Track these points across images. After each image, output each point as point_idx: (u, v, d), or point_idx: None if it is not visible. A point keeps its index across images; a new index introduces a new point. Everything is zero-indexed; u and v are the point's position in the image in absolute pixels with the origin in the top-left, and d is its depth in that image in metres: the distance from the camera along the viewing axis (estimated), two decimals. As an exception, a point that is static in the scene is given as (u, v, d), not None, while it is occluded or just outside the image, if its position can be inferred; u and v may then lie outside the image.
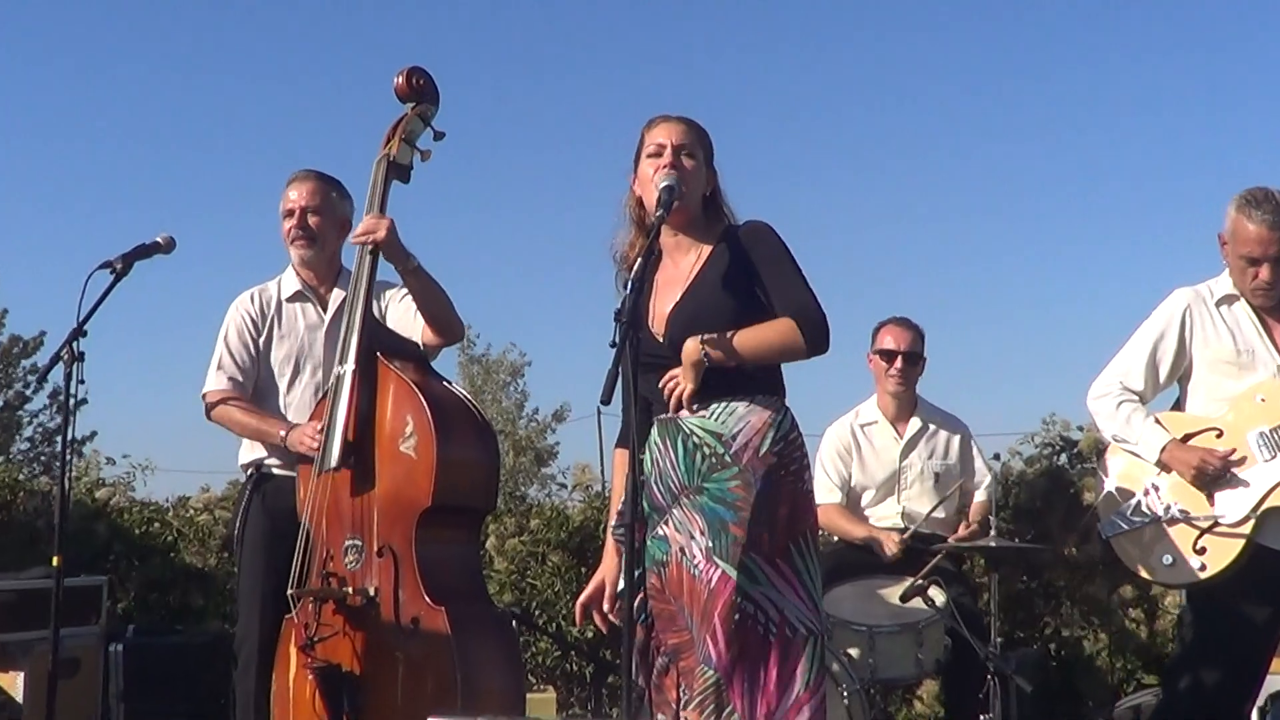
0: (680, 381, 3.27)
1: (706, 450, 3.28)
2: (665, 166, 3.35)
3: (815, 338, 3.26)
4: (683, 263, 3.44)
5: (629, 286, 3.05)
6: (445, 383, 3.98)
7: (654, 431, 3.38)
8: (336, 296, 4.36)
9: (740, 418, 3.28)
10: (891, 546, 5.13)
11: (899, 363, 5.35)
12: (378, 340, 3.97)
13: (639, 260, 3.13)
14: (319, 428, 3.94)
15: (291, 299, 4.39)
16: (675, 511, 3.31)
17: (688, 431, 3.31)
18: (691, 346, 3.25)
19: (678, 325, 3.33)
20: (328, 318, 4.36)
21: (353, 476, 3.88)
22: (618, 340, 2.92)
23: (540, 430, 29.74)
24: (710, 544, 3.22)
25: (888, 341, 5.38)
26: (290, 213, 4.33)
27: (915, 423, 5.42)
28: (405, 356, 3.98)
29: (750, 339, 3.26)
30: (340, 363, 3.95)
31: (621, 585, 3.07)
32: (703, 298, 3.32)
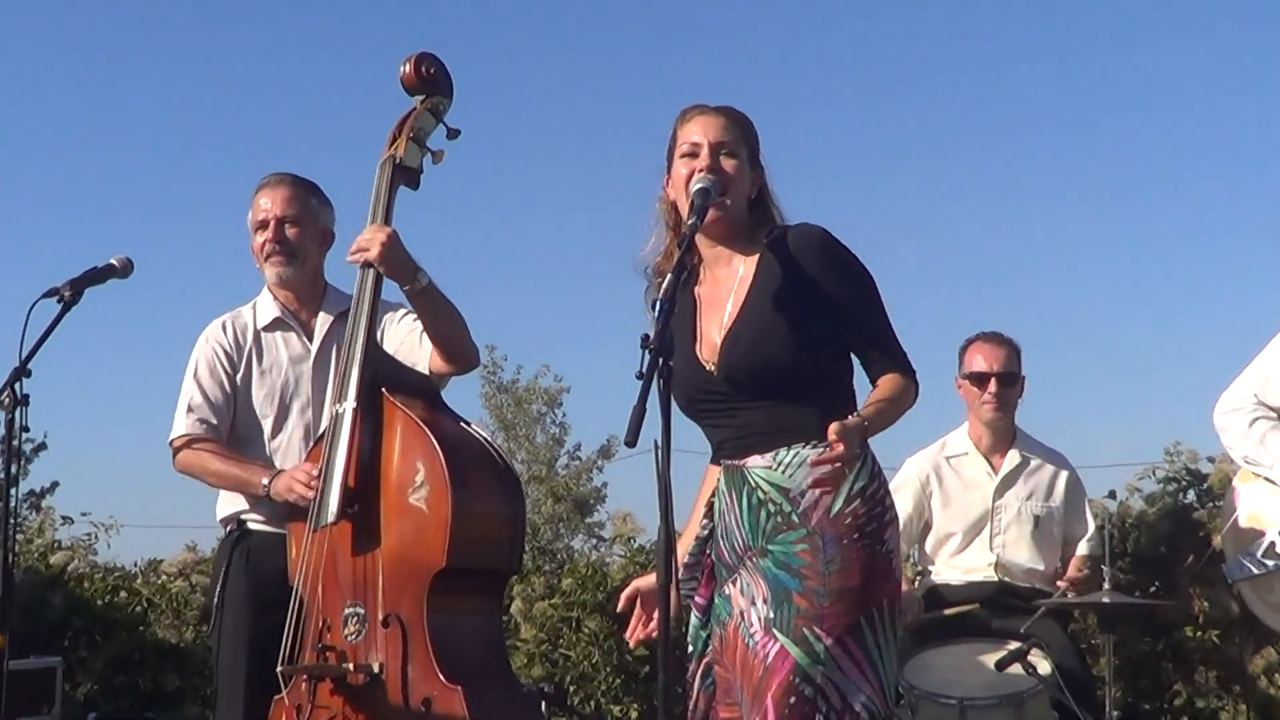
0: (845, 462, 3.21)
1: (771, 508, 3.32)
2: (701, 170, 3.39)
3: (918, 387, 3.36)
4: (726, 278, 3.47)
5: (658, 308, 3.07)
6: (461, 422, 4.02)
7: (720, 480, 3.44)
8: (323, 322, 4.40)
9: (811, 470, 3.29)
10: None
11: (993, 386, 5.38)
12: (382, 373, 4.00)
13: (669, 279, 3.14)
14: (313, 472, 3.97)
15: (270, 327, 4.42)
16: (742, 573, 3.37)
17: (753, 484, 3.35)
18: (845, 439, 3.18)
19: (734, 355, 3.36)
20: (314, 347, 4.39)
21: (353, 532, 3.91)
22: (645, 371, 2.92)
23: (583, 471, 29.57)
24: (771, 614, 3.27)
25: (978, 362, 5.42)
26: (263, 224, 4.36)
27: (1013, 456, 5.45)
28: (413, 391, 4.01)
29: (886, 412, 3.31)
30: (338, 400, 3.99)
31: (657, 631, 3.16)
32: (760, 323, 3.34)
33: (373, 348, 4.03)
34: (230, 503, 4.34)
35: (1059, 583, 5.25)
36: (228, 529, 4.38)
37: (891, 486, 5.43)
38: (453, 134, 4.15)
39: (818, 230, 3.41)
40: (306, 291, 4.41)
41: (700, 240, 3.46)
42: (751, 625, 3.29)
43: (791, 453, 3.31)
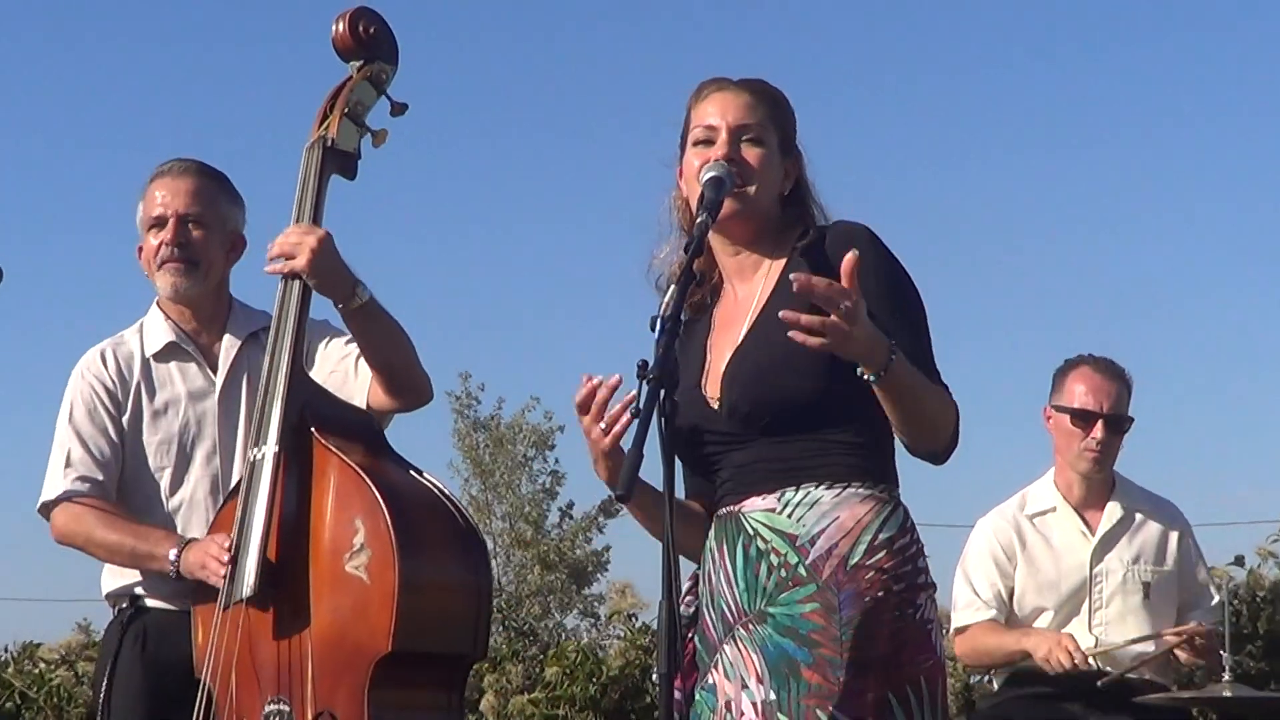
0: (849, 317, 3.09)
1: (774, 560, 3.33)
2: (718, 159, 3.42)
3: (955, 437, 3.36)
4: (747, 293, 3.50)
5: (658, 328, 3.08)
6: (411, 470, 4.04)
7: (710, 535, 3.45)
8: (229, 346, 4.41)
9: (824, 513, 3.32)
10: (1063, 655, 5.11)
11: (1099, 431, 5.37)
12: (311, 408, 4.00)
13: (671, 291, 3.16)
14: (228, 542, 3.96)
15: (163, 355, 4.42)
16: (725, 649, 3.36)
17: (751, 531, 3.37)
18: (884, 343, 3.18)
19: (738, 384, 3.39)
20: (220, 378, 4.39)
21: (276, 610, 3.91)
22: (642, 408, 2.95)
23: (580, 531, 29.40)
24: (773, 695, 3.26)
25: (1082, 396, 5.40)
26: (158, 222, 4.35)
27: (1114, 510, 5.45)
28: (350, 431, 4.02)
29: (928, 394, 3.30)
30: (255, 443, 3.99)
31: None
32: (774, 345, 3.31)
33: (299, 378, 4.02)
34: (119, 575, 4.33)
35: (1166, 635, 5.26)
36: (117, 607, 4.36)
37: (964, 560, 5.43)
38: (398, 109, 4.16)
39: (858, 229, 3.42)
40: (208, 309, 4.43)
41: (718, 245, 3.49)
42: (742, 715, 3.29)
43: (801, 493, 3.34)
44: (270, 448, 3.95)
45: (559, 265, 38.87)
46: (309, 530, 3.91)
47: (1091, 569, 5.39)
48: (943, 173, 35.80)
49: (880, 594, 3.27)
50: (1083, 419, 5.37)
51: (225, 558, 3.93)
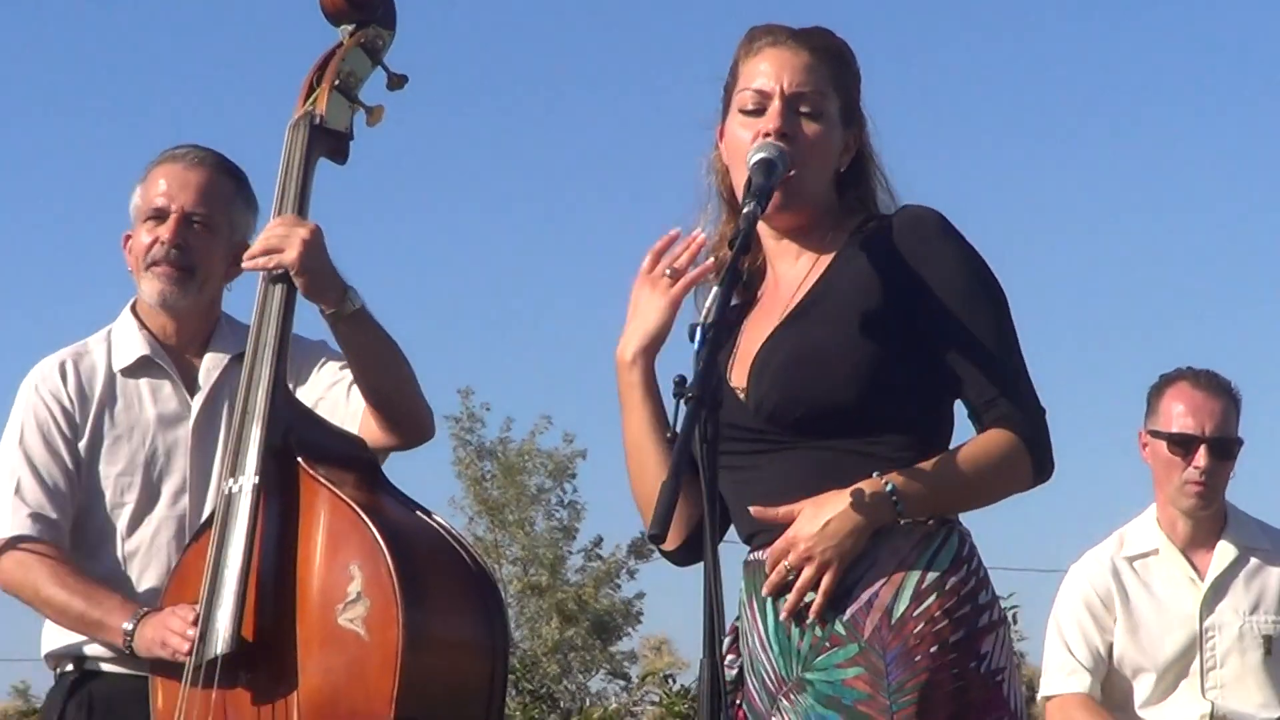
0: (809, 568, 3.14)
1: (810, 617, 3.21)
2: (768, 135, 3.27)
3: (1043, 464, 3.24)
4: (790, 275, 3.39)
5: (698, 338, 2.96)
6: (414, 508, 3.89)
7: (741, 585, 3.35)
8: (211, 364, 4.24)
9: (862, 554, 3.16)
10: None
11: (1202, 458, 5.05)
12: (298, 433, 3.85)
13: (715, 294, 3.03)
14: (193, 615, 3.76)
15: (133, 370, 4.21)
16: None
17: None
18: (869, 495, 3.13)
19: (766, 376, 3.26)
20: (197, 402, 4.21)
21: (255, 672, 3.75)
22: (679, 429, 2.84)
23: (605, 576, 28.59)
24: None
25: (1181, 418, 5.11)
26: (158, 214, 4.15)
27: (1226, 551, 5.15)
28: (344, 461, 3.88)
29: (965, 476, 3.19)
30: (231, 473, 3.81)
31: None
32: (814, 336, 3.24)
33: (282, 396, 3.87)
34: (63, 631, 4.10)
35: None
36: (59, 670, 4.17)
37: (1055, 613, 5.10)
38: (396, 81, 4.06)
39: (927, 215, 3.31)
40: (194, 323, 4.26)
41: (762, 229, 3.38)
42: None
43: None
44: (249, 479, 3.76)
45: (574, 258, 38.49)
46: (294, 576, 3.74)
47: (1201, 622, 5.11)
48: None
49: (934, 649, 3.12)
50: (1182, 445, 5.08)
51: (190, 633, 3.74)
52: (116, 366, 4.20)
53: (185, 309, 4.20)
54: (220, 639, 3.68)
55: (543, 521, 28.73)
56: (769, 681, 3.27)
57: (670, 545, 3.26)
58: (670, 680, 6.05)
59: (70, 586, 4.01)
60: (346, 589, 3.65)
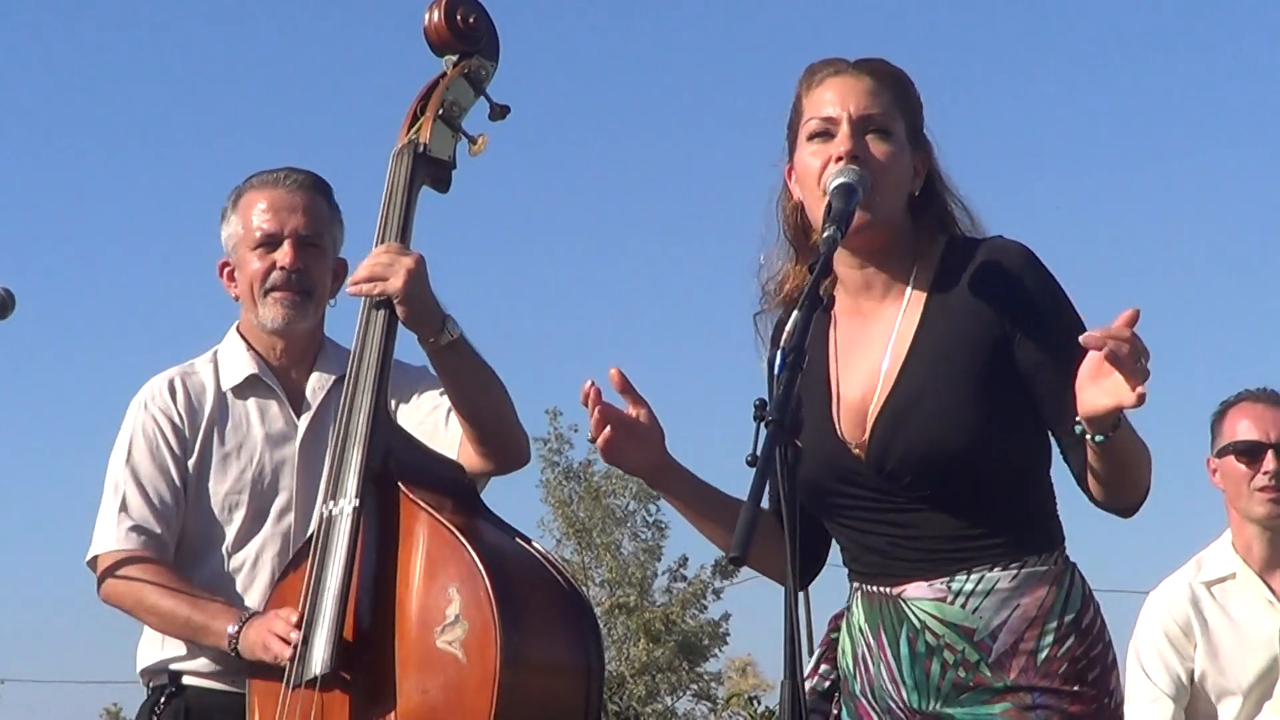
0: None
1: (949, 657, 3.23)
2: (839, 159, 3.25)
3: (1150, 488, 3.24)
4: (877, 315, 3.36)
5: (778, 364, 2.91)
6: (510, 532, 3.90)
7: (857, 611, 3.36)
8: (318, 385, 4.28)
9: (1003, 600, 3.21)
10: None
11: (1271, 460, 5.05)
12: (398, 458, 3.87)
13: (794, 319, 2.98)
14: (295, 618, 3.78)
15: (241, 389, 4.25)
16: None
17: (917, 623, 3.26)
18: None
19: (894, 436, 3.24)
20: (304, 422, 4.24)
21: (352, 692, 3.77)
22: (760, 456, 2.77)
23: (693, 597, 28.46)
24: None
25: (1246, 429, 5.11)
26: (268, 240, 4.17)
27: None
28: (443, 487, 3.88)
29: (1138, 444, 3.16)
30: (331, 496, 3.84)
31: None
32: (934, 390, 3.23)
33: (383, 420, 3.89)
34: (157, 647, 4.16)
35: None
36: (154, 684, 4.19)
37: (1135, 642, 5.21)
38: (499, 112, 4.07)
39: (1014, 250, 3.29)
40: (302, 343, 4.29)
41: (839, 256, 3.32)
42: None
43: (974, 579, 3.23)
44: (349, 502, 3.79)
45: (664, 282, 38.47)
46: (393, 598, 3.75)
47: None
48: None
49: (1076, 687, 3.17)
50: (1249, 453, 5.07)
51: (292, 636, 3.77)
52: (225, 386, 4.24)
53: (304, 331, 4.25)
54: (319, 660, 3.70)
55: (629, 544, 28.66)
56: (896, 708, 3.28)
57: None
58: (755, 702, 6.04)
59: (176, 595, 4.04)
60: (445, 611, 3.66)
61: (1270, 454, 5.04)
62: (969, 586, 3.22)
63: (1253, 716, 5.09)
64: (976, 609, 3.21)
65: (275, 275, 4.16)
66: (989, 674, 3.19)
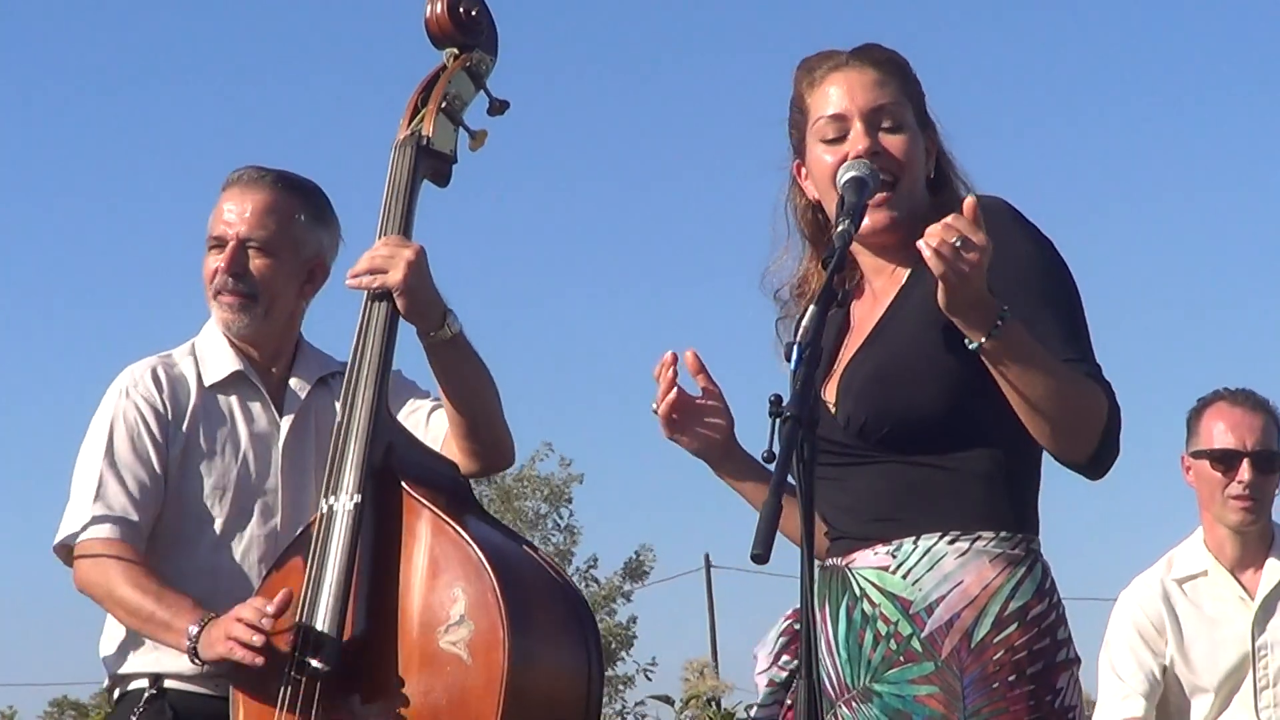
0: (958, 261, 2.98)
1: (884, 627, 3.22)
2: (858, 155, 3.27)
3: (1109, 443, 3.15)
4: (882, 289, 3.41)
5: (795, 356, 2.90)
6: (513, 535, 3.96)
7: (813, 589, 3.30)
8: (298, 388, 4.26)
9: (946, 574, 3.18)
10: None
11: (1245, 472, 5.08)
12: (399, 454, 3.86)
13: (810, 313, 2.96)
14: (266, 609, 3.68)
15: (224, 386, 4.22)
16: None
17: (858, 591, 3.26)
18: (989, 299, 3.03)
19: (853, 391, 3.27)
20: (286, 423, 4.21)
21: (351, 693, 3.75)
22: (779, 450, 2.77)
23: (603, 600, 28.50)
24: None
25: (1222, 435, 5.15)
26: (218, 243, 4.17)
27: (1275, 568, 5.16)
28: (442, 484, 3.88)
29: (1056, 370, 3.09)
30: (330, 492, 3.81)
31: None
32: (896, 346, 3.26)
33: (385, 417, 3.88)
34: (135, 649, 4.09)
35: None
36: (129, 688, 4.13)
37: (1106, 641, 5.26)
38: (498, 107, 4.08)
39: (996, 204, 3.25)
40: (272, 346, 4.27)
41: (857, 249, 3.37)
42: None
43: (921, 547, 3.22)
44: (350, 498, 3.77)
45: (572, 280, 38.44)
46: (394, 597, 3.74)
47: (1254, 641, 5.12)
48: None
49: (1012, 678, 3.13)
50: (1225, 460, 5.11)
51: (253, 639, 3.67)
52: (207, 381, 4.20)
53: (257, 334, 4.20)
54: (318, 659, 3.66)
55: (543, 545, 28.99)
56: (830, 687, 3.28)
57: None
58: (714, 704, 6.00)
59: (143, 587, 3.96)
60: (449, 611, 3.65)
61: (1246, 463, 5.07)
62: (913, 555, 3.20)
63: (1223, 712, 5.12)
64: (917, 580, 3.19)
65: (218, 279, 4.15)
66: (919, 649, 3.17)
